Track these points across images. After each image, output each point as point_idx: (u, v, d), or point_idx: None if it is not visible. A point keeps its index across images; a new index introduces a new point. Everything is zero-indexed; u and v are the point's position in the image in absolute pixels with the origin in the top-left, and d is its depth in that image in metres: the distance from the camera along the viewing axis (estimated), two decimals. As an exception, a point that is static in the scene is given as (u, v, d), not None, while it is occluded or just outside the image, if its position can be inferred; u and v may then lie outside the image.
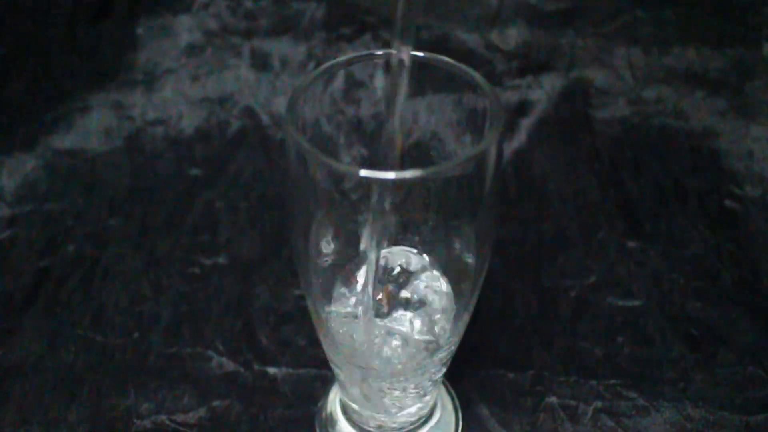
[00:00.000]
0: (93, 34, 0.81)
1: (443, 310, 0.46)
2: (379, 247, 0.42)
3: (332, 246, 0.47)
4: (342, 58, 0.44)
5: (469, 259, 0.45)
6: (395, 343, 0.45)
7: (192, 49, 0.83)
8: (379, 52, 0.44)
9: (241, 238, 0.70)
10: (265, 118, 0.81)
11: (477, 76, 0.42)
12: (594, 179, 0.76)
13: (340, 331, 0.46)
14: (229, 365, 0.60)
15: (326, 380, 0.58)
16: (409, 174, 0.38)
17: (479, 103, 0.42)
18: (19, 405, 0.57)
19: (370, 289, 0.43)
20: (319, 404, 0.57)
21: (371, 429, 0.53)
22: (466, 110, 0.44)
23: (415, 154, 0.47)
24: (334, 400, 0.56)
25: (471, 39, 0.82)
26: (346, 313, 0.46)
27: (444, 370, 0.48)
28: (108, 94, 0.81)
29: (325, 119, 0.45)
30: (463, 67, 0.43)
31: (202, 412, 0.57)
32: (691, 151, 0.79)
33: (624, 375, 0.59)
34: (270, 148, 0.79)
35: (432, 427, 0.55)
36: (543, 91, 0.82)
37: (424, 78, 0.44)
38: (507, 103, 0.81)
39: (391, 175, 0.38)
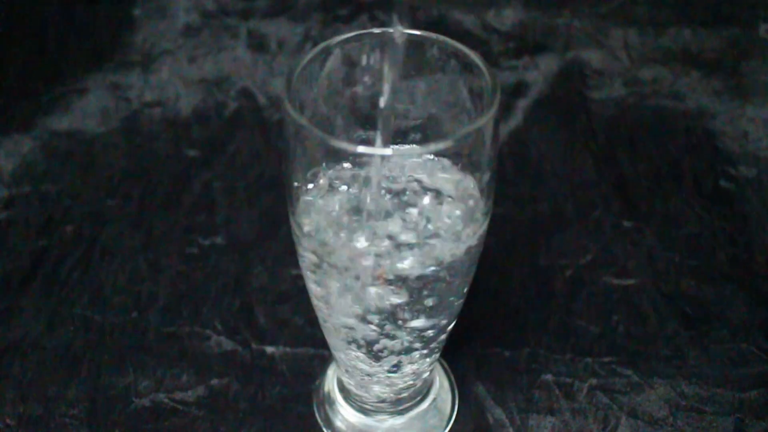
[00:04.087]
0: (90, 15, 0.81)
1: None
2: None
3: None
4: (338, 37, 0.44)
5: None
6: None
7: (189, 30, 0.83)
8: (376, 31, 0.44)
9: (238, 219, 0.70)
10: (262, 99, 0.81)
11: (474, 56, 0.42)
12: (590, 159, 0.76)
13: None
14: (228, 344, 0.60)
15: (324, 359, 0.59)
16: (405, 151, 0.38)
17: (476, 82, 0.42)
18: (18, 383, 0.57)
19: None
20: (317, 382, 0.57)
21: (368, 406, 0.54)
22: (463, 89, 0.44)
23: (412, 134, 0.47)
24: (331, 379, 0.56)
25: (467, 20, 0.82)
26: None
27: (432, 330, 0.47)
28: (105, 76, 0.81)
29: (321, 99, 0.46)
30: (461, 46, 0.43)
31: (200, 390, 0.57)
32: (686, 131, 0.79)
33: (619, 352, 0.59)
34: (267, 129, 0.79)
35: (428, 405, 0.55)
36: (539, 71, 0.82)
37: (420, 57, 0.45)
38: (503, 84, 0.81)
39: (388, 151, 0.38)
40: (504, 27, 0.82)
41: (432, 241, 0.42)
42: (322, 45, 0.43)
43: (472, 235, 0.43)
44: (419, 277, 0.42)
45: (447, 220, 0.43)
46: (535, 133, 0.79)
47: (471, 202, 0.44)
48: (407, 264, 0.42)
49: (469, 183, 0.44)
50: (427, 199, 0.44)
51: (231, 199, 0.72)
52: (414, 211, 0.43)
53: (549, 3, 0.81)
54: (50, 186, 0.73)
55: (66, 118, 0.79)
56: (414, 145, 0.46)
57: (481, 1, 0.81)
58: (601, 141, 0.78)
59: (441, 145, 0.39)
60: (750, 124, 0.78)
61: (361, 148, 0.37)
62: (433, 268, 0.42)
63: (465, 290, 0.47)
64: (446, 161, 0.44)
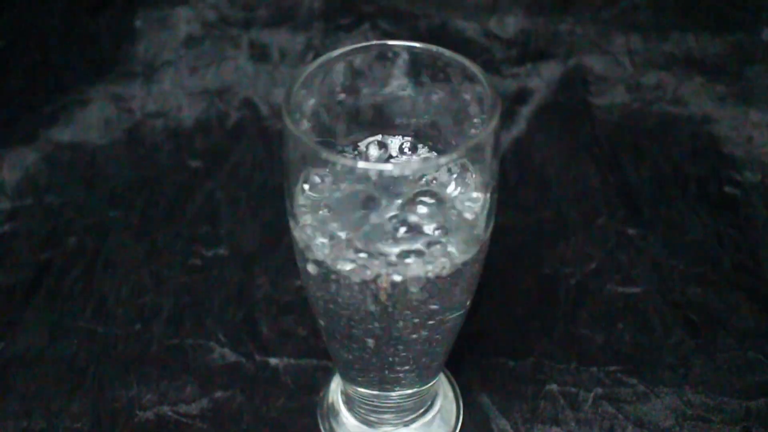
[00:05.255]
0: (91, 26, 0.81)
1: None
2: None
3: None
4: (341, 49, 0.44)
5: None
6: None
7: (191, 41, 0.83)
8: (377, 43, 0.44)
9: (241, 229, 0.70)
10: (264, 109, 0.81)
11: (472, 66, 0.42)
12: (593, 166, 0.76)
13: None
14: (231, 356, 0.60)
15: (328, 370, 0.58)
16: (405, 165, 0.38)
17: (475, 92, 0.42)
18: (21, 397, 0.57)
19: None
20: (321, 394, 0.57)
21: (372, 418, 0.54)
22: (462, 100, 0.44)
23: (413, 145, 0.47)
24: (335, 391, 0.56)
25: (469, 27, 0.82)
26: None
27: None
28: (107, 87, 0.81)
29: (324, 109, 0.46)
30: (459, 56, 0.43)
31: (204, 402, 0.57)
32: (690, 137, 0.78)
33: (624, 361, 0.59)
34: (269, 139, 0.79)
35: (433, 416, 0.55)
36: (542, 78, 0.82)
37: (420, 68, 0.45)
38: (506, 91, 0.81)
39: (389, 167, 0.38)
40: (506, 34, 0.82)
41: (433, 251, 0.42)
42: (323, 57, 0.43)
43: (475, 244, 0.43)
44: (421, 288, 0.42)
45: (449, 230, 0.43)
46: (538, 140, 0.79)
47: (473, 211, 0.43)
48: (409, 274, 0.41)
49: (471, 193, 0.43)
50: (427, 209, 0.44)
51: (234, 210, 0.72)
52: (415, 220, 0.43)
53: (551, 9, 0.81)
54: (53, 198, 0.73)
55: (68, 130, 0.79)
56: (415, 158, 0.46)
57: (483, 8, 0.81)
58: (605, 147, 0.78)
59: (442, 159, 0.39)
60: (754, 129, 0.78)
61: (361, 164, 0.37)
62: (435, 277, 0.42)
63: (468, 302, 0.46)
64: (448, 172, 0.44)
